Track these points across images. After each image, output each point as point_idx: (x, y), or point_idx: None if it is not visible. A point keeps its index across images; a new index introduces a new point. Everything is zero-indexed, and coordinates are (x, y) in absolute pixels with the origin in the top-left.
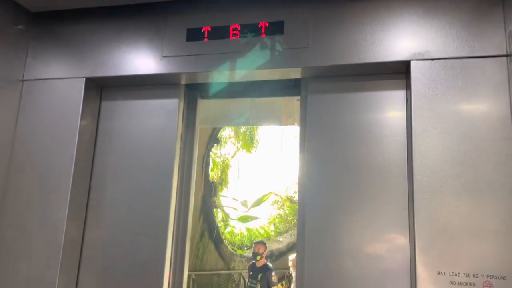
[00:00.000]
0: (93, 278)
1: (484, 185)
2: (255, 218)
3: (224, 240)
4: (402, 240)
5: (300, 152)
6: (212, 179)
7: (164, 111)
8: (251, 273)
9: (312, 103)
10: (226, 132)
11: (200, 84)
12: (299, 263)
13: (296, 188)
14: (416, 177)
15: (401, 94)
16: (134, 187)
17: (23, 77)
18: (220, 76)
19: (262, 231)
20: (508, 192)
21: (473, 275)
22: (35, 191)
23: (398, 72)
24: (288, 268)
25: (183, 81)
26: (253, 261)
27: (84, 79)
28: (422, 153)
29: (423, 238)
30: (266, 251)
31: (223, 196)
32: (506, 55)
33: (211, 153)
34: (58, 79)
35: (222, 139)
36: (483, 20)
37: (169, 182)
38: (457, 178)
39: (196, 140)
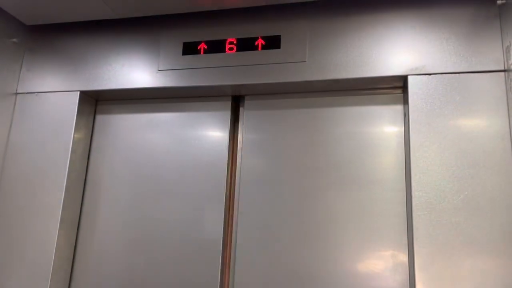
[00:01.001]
0: None
1: (484, 201)
2: None
3: None
4: (401, 258)
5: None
6: None
7: (210, 123)
8: None
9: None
10: None
11: (244, 96)
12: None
13: None
14: (415, 193)
15: (398, 108)
16: (136, 203)
17: (16, 90)
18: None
19: None
20: (508, 208)
21: None
22: (26, 205)
23: (396, 87)
24: None
25: (231, 93)
26: None
27: (79, 92)
28: (420, 168)
29: (422, 255)
30: None
31: None
32: (504, 70)
33: None
34: (52, 92)
35: None
36: (480, 35)
37: (221, 197)
38: (456, 194)
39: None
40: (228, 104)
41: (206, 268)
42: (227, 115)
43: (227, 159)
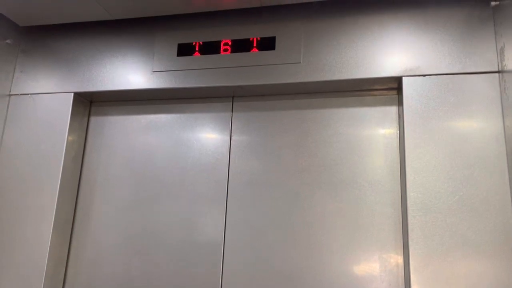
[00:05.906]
0: None
1: (478, 202)
2: None
3: None
4: (391, 259)
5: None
6: None
7: (210, 125)
8: None
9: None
10: None
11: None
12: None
13: None
14: (410, 194)
15: (393, 110)
16: (133, 205)
17: (10, 91)
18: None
19: None
20: (503, 209)
21: None
22: (19, 207)
23: (390, 88)
24: None
25: (227, 94)
26: None
27: (73, 93)
28: (415, 169)
29: (417, 256)
30: None
31: None
32: (498, 71)
33: None
34: (46, 94)
35: None
36: (475, 36)
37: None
38: (451, 195)
39: None
40: (229, 105)
41: (207, 272)
42: (228, 116)
43: (228, 160)
